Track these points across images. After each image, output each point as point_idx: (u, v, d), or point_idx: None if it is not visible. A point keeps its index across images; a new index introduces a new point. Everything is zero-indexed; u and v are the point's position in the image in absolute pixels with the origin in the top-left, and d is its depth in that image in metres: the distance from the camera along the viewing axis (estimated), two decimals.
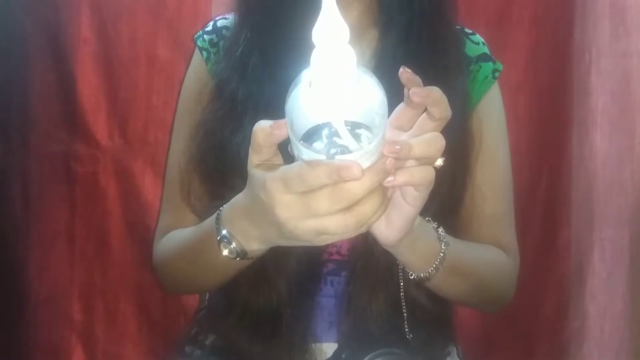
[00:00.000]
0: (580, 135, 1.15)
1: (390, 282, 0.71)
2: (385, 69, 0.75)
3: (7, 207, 1.10)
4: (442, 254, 0.64)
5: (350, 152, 0.44)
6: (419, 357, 0.73)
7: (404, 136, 0.51)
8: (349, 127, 0.44)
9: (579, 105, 1.15)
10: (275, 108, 0.49)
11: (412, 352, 0.72)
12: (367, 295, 0.73)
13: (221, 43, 0.84)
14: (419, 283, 0.67)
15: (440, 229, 0.65)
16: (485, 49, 0.86)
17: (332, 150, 0.45)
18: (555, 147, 1.17)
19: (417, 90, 0.49)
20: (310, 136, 0.45)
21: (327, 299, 0.77)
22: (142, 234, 1.11)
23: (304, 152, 0.45)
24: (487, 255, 0.79)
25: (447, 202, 0.73)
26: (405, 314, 0.71)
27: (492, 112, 0.84)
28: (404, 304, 0.71)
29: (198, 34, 0.87)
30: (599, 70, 1.14)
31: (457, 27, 0.85)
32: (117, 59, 1.10)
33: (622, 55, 1.13)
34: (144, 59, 1.11)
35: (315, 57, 0.44)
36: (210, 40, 0.85)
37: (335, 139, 0.44)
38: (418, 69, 0.75)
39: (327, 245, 0.75)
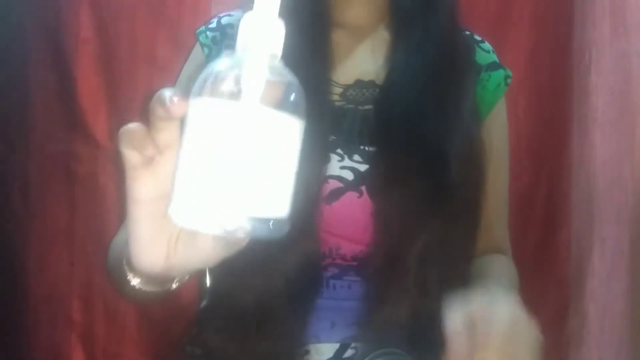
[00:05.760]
0: (580, 135, 1.16)
1: (407, 289, 0.71)
2: (398, 76, 0.76)
3: (7, 207, 1.10)
4: None
5: None
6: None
7: None
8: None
9: (579, 104, 1.15)
10: None
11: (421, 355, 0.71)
12: (386, 303, 0.72)
13: (224, 41, 0.84)
14: None
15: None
16: (495, 57, 0.86)
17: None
18: (555, 147, 1.17)
19: None
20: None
21: (329, 301, 0.77)
22: None
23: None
24: (511, 272, 0.82)
25: (473, 219, 0.75)
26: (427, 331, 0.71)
27: (500, 121, 0.85)
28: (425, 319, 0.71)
29: (201, 29, 0.86)
30: (598, 70, 1.14)
31: (467, 32, 0.85)
32: (117, 59, 1.10)
33: (622, 54, 1.13)
34: (144, 59, 1.11)
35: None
36: (214, 38, 0.85)
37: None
38: (431, 77, 0.74)
39: (331, 251, 0.76)
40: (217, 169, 0.39)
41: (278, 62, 0.42)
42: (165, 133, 0.42)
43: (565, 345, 1.18)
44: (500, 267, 0.83)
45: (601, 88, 1.14)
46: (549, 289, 1.18)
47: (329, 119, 0.75)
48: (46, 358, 1.12)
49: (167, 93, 0.41)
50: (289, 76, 0.42)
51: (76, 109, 1.10)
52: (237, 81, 0.39)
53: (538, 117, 1.16)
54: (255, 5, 0.42)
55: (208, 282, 0.87)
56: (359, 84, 0.79)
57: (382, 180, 0.73)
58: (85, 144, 1.11)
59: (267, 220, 0.41)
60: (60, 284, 1.12)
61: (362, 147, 0.75)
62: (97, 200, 1.12)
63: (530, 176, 1.16)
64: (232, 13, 0.86)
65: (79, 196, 1.11)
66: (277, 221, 0.42)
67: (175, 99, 0.40)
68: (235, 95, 0.39)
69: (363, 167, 0.74)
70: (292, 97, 0.41)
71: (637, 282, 1.15)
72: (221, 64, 0.41)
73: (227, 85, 0.39)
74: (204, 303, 0.88)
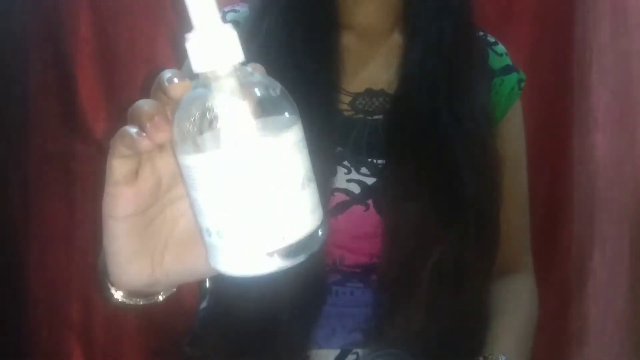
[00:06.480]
0: (581, 134, 1.15)
1: (416, 304, 0.70)
2: (410, 86, 0.74)
3: (7, 207, 1.10)
4: None
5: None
6: None
7: None
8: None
9: (579, 104, 1.15)
10: None
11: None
12: (394, 317, 0.72)
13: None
14: None
15: None
16: (508, 60, 0.83)
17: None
18: (556, 147, 1.16)
19: None
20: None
21: (331, 307, 0.76)
22: None
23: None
24: (528, 321, 0.79)
25: (488, 233, 0.74)
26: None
27: (513, 126, 0.83)
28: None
29: None
30: (599, 69, 1.14)
31: (480, 33, 0.82)
32: (117, 59, 1.10)
33: (623, 54, 1.13)
34: (144, 59, 1.11)
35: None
36: None
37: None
38: (445, 88, 0.73)
39: (334, 262, 0.75)
40: (250, 214, 0.38)
41: (247, 72, 0.39)
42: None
43: (566, 346, 1.18)
44: (517, 323, 0.79)
45: (602, 88, 1.14)
46: (549, 289, 1.17)
47: (336, 130, 0.73)
48: (45, 358, 1.12)
49: (168, 74, 0.39)
50: (263, 81, 0.39)
51: (76, 109, 1.10)
52: (220, 125, 0.37)
53: (538, 116, 1.15)
54: (195, 24, 0.38)
55: (207, 283, 0.87)
56: (369, 92, 0.76)
57: (391, 195, 0.71)
58: (85, 144, 1.11)
59: (315, 230, 0.40)
60: (60, 284, 1.12)
61: (370, 160, 0.73)
62: (97, 200, 1.12)
63: (531, 176, 1.15)
64: (237, 8, 0.82)
65: (78, 196, 1.11)
66: (323, 223, 0.40)
67: (176, 79, 0.39)
68: (226, 140, 0.37)
69: (370, 181, 0.72)
70: (279, 102, 0.39)
71: (638, 283, 1.15)
72: (194, 106, 0.38)
73: (213, 135, 0.37)
74: (203, 304, 0.88)
